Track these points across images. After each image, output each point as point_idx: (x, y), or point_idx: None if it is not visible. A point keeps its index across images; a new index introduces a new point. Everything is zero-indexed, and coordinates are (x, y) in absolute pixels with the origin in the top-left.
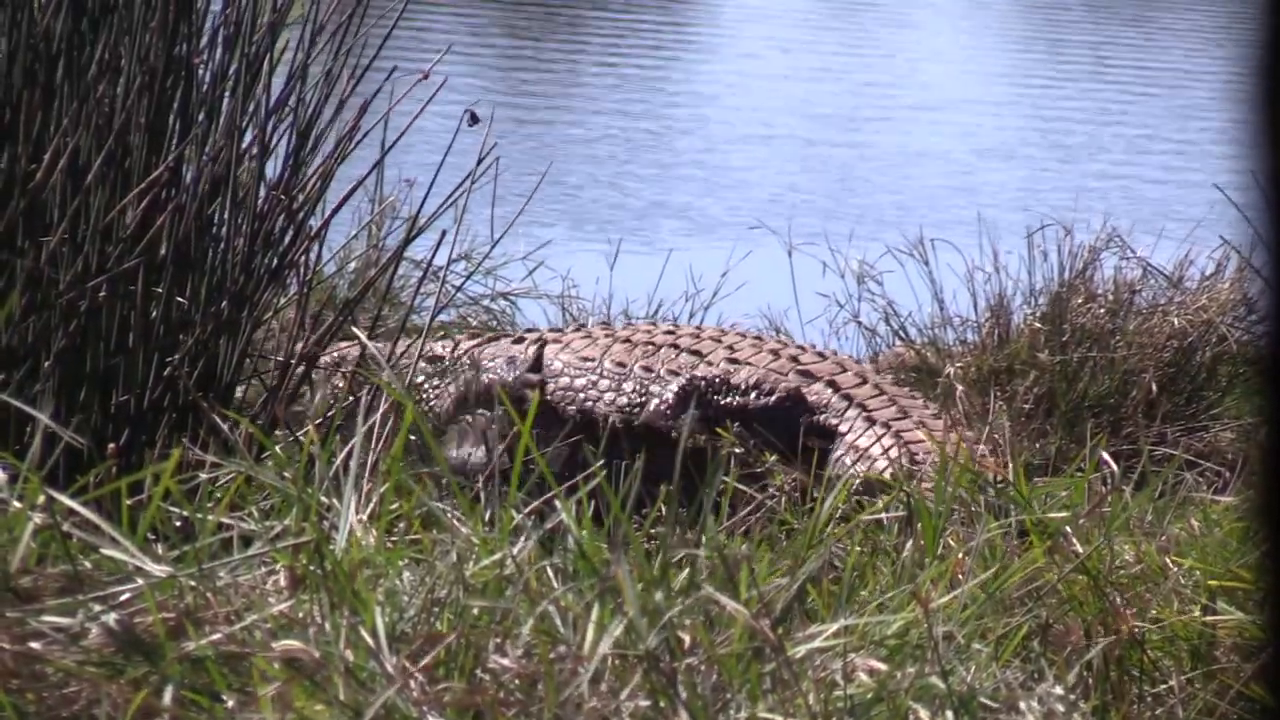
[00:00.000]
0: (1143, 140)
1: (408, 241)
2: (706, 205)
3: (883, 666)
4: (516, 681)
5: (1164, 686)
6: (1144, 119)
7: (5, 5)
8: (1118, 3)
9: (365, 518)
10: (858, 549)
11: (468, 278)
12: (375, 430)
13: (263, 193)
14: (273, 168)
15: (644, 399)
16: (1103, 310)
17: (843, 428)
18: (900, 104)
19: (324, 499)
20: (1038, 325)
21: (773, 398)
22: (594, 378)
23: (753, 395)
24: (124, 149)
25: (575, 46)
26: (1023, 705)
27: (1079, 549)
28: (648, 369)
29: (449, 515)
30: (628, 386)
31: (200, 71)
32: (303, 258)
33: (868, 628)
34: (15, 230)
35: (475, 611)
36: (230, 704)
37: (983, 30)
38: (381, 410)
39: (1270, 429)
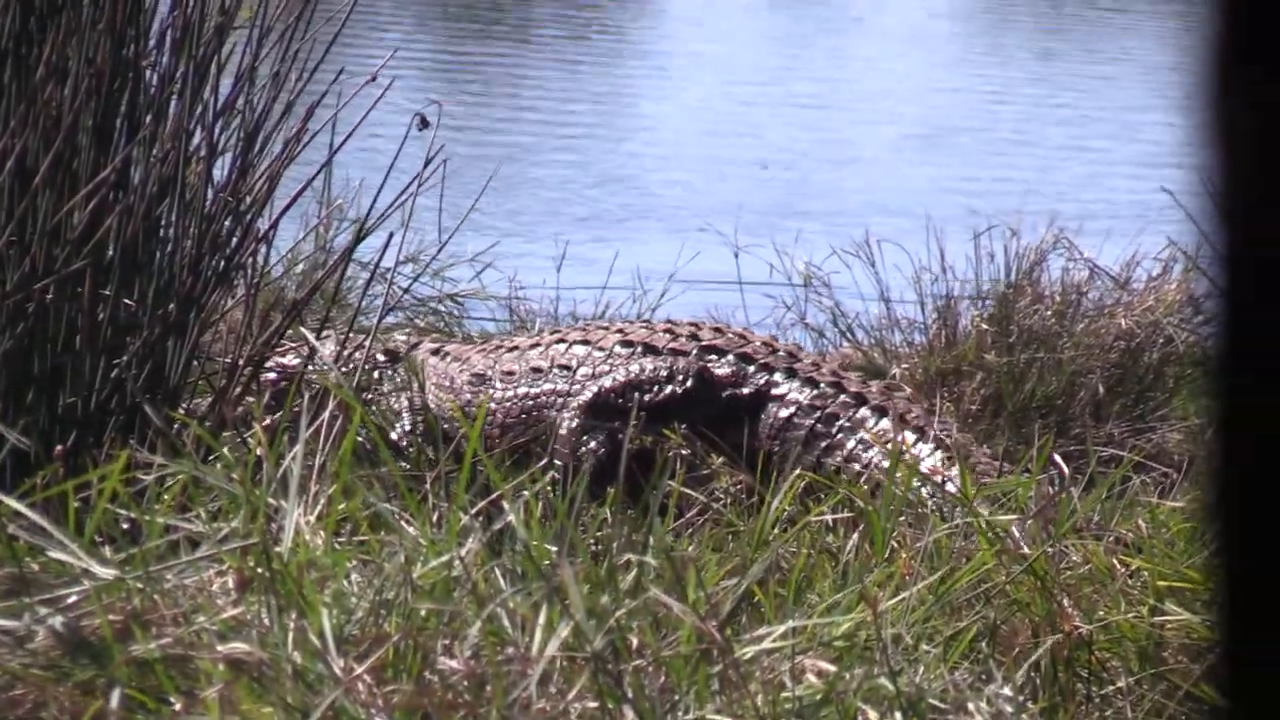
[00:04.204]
0: (1091, 141)
1: (356, 243)
2: (653, 208)
3: (831, 668)
4: (464, 683)
5: (1112, 687)
6: (1091, 120)
7: None
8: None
9: (312, 519)
10: (805, 550)
11: (415, 279)
12: (323, 431)
13: (210, 195)
14: (221, 170)
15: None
16: (1050, 312)
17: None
18: (846, 105)
19: (272, 501)
20: (985, 327)
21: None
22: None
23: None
24: (71, 150)
25: (524, 50)
26: (971, 706)
27: (1027, 550)
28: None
29: (396, 516)
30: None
31: (148, 73)
32: (250, 260)
33: (816, 629)
34: None
35: (423, 613)
36: (177, 707)
37: (931, 31)
38: (329, 411)
39: (1218, 430)
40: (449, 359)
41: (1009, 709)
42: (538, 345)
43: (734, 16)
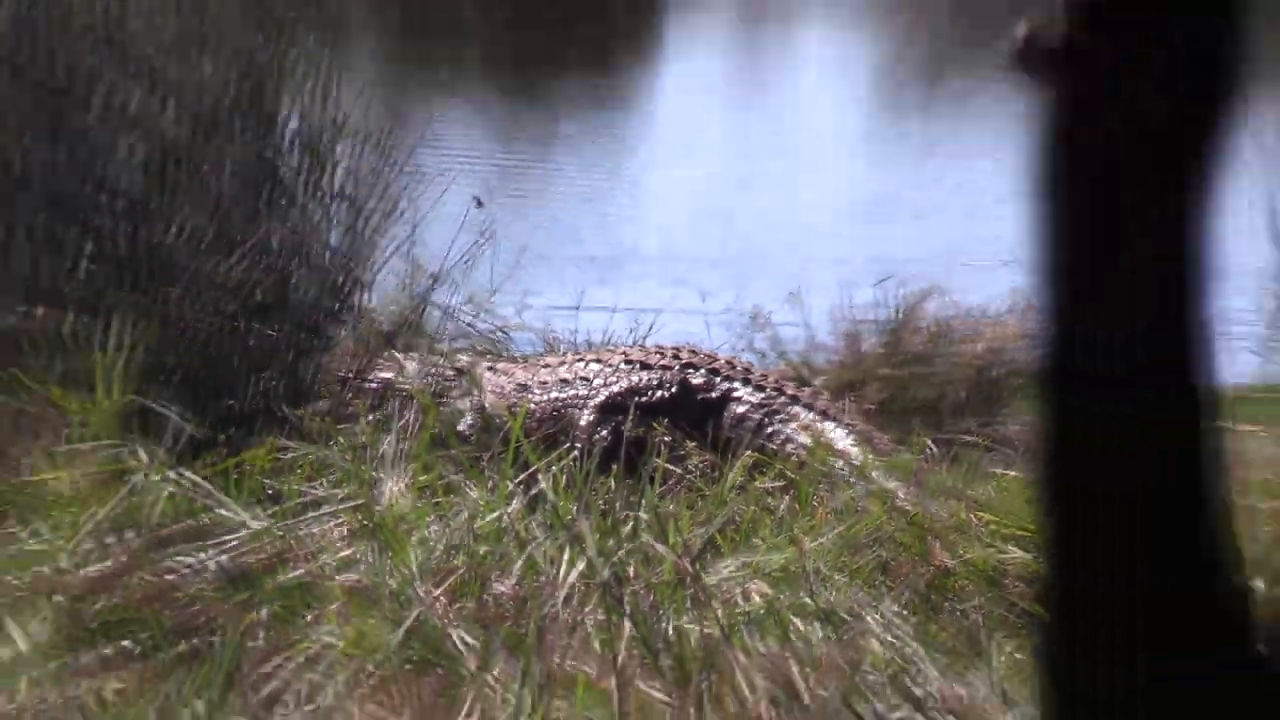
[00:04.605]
0: (967, 205)
1: (430, 290)
2: (645, 264)
3: (770, 590)
4: (511, 602)
5: (969, 604)
6: (969, 189)
7: (140, 123)
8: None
9: (403, 486)
10: (752, 508)
11: (474, 316)
12: (409, 425)
13: (328, 256)
14: (335, 237)
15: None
16: (927, 339)
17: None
18: (788, 180)
19: (373, 473)
20: (881, 350)
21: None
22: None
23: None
24: (229, 225)
25: (555, 147)
26: (868, 618)
27: (909, 507)
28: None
29: (462, 484)
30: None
31: (281, 169)
32: (356, 302)
33: (759, 563)
34: (154, 282)
35: (481, 552)
36: (309, 619)
37: (852, 121)
38: (413, 410)
39: (1043, 423)
40: (499, 373)
41: (896, 620)
42: (564, 363)
43: (710, 106)
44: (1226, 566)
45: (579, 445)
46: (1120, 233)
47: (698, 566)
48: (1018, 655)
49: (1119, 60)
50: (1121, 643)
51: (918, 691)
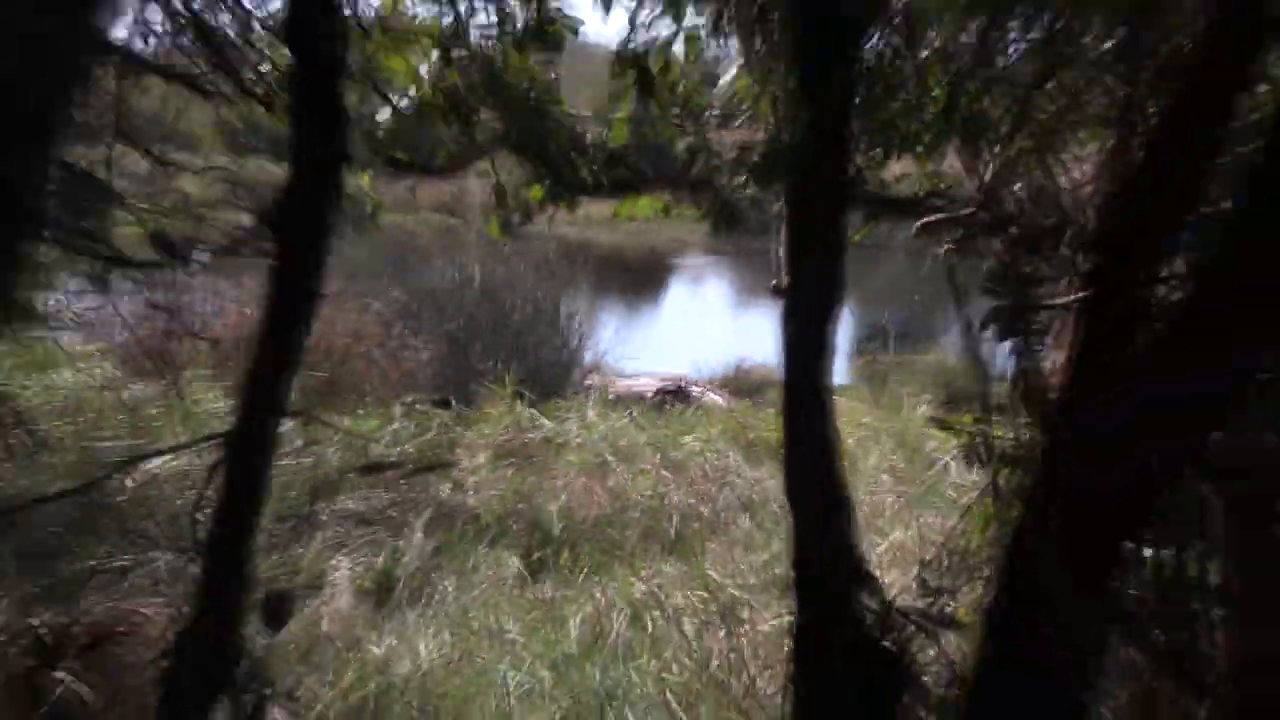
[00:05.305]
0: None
1: (601, 357)
2: (663, 348)
3: (701, 445)
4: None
5: (761, 448)
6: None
7: (513, 319)
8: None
9: (593, 413)
10: (692, 420)
11: (614, 365)
12: (595, 395)
13: (571, 350)
14: (572, 344)
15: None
16: (746, 373)
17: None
18: (712, 325)
19: (584, 410)
20: (733, 375)
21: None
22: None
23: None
24: (535, 345)
25: (641, 318)
26: (730, 454)
27: (741, 420)
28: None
29: (611, 412)
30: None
31: (560, 325)
32: (579, 362)
33: (698, 434)
34: (513, 362)
35: (617, 427)
36: (564, 450)
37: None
38: (595, 392)
39: (781, 397)
40: (621, 382)
41: (738, 454)
42: (640, 380)
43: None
44: (838, 476)
45: (646, 402)
46: (797, 325)
47: (670, 434)
48: (778, 463)
49: (793, 288)
50: (803, 489)
51: (743, 476)
